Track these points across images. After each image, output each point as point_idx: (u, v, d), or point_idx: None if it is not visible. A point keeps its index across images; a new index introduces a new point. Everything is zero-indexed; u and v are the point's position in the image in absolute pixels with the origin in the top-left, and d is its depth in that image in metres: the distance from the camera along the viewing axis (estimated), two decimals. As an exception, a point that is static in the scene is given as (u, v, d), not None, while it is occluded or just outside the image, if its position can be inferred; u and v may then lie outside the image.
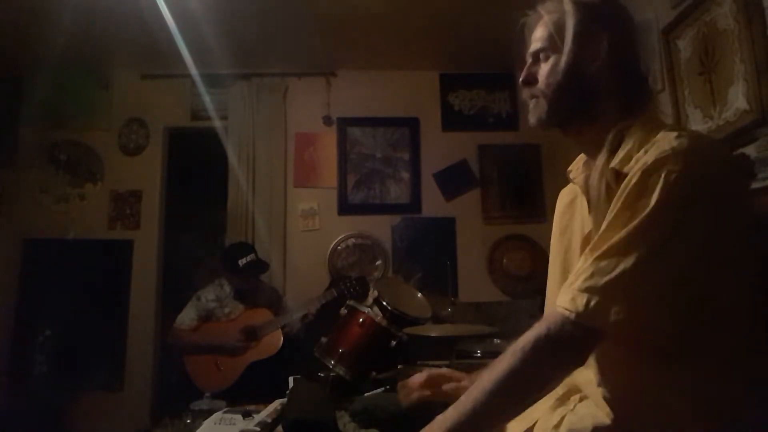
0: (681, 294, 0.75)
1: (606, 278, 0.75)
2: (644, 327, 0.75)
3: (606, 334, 0.76)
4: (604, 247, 0.76)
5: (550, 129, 0.94)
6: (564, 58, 0.87)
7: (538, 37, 0.92)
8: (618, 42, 0.87)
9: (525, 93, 0.95)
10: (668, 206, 0.73)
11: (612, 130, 0.86)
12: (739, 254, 0.77)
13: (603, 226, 0.79)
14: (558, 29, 0.88)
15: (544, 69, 0.91)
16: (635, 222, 0.74)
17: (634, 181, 0.76)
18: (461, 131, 3.47)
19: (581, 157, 1.01)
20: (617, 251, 0.75)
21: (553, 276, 1.06)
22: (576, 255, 0.96)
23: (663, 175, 0.73)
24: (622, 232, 0.75)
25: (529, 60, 0.94)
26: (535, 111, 0.93)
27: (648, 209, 0.73)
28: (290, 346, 2.63)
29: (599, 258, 0.76)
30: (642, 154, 0.79)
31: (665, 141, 0.77)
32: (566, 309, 0.77)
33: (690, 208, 0.74)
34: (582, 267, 0.79)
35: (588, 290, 0.76)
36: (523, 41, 0.97)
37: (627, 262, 0.74)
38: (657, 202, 0.73)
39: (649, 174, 0.75)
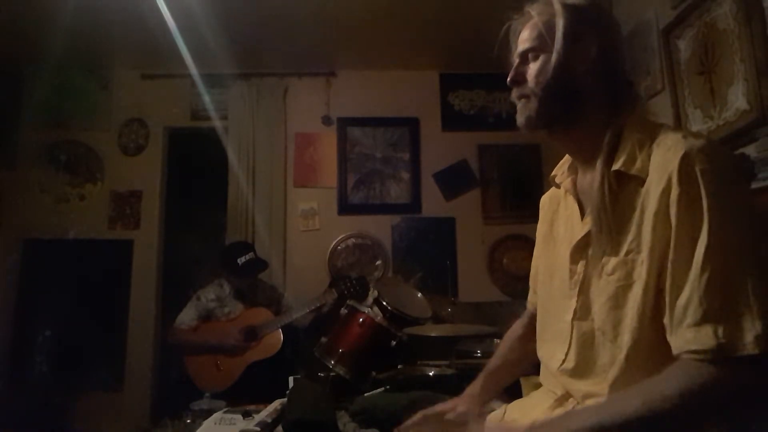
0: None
1: (716, 299, 0.68)
2: None
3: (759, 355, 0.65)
4: (690, 272, 0.71)
5: (537, 130, 0.92)
6: (554, 58, 0.86)
7: (526, 38, 0.91)
8: (606, 45, 0.87)
9: (513, 93, 0.93)
10: (722, 202, 0.71)
11: (601, 131, 0.86)
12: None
13: (671, 255, 0.73)
14: (548, 29, 0.88)
15: (533, 68, 0.90)
16: (704, 231, 0.70)
17: (675, 192, 0.73)
18: (461, 131, 3.47)
19: (566, 160, 1.01)
20: (704, 268, 0.69)
21: (542, 284, 1.05)
22: (561, 261, 0.95)
23: (699, 175, 0.71)
24: (699, 248, 0.70)
25: (517, 60, 0.93)
26: (524, 111, 0.91)
27: (707, 216, 0.70)
28: (290, 346, 2.63)
29: (691, 284, 0.70)
30: (647, 156, 0.79)
31: (674, 141, 0.77)
32: (694, 352, 0.68)
33: (736, 195, 0.74)
34: (679, 302, 0.71)
35: (705, 320, 0.68)
36: (507, 44, 0.96)
37: (724, 272, 0.69)
38: (710, 204, 0.70)
39: (685, 179, 0.72)
